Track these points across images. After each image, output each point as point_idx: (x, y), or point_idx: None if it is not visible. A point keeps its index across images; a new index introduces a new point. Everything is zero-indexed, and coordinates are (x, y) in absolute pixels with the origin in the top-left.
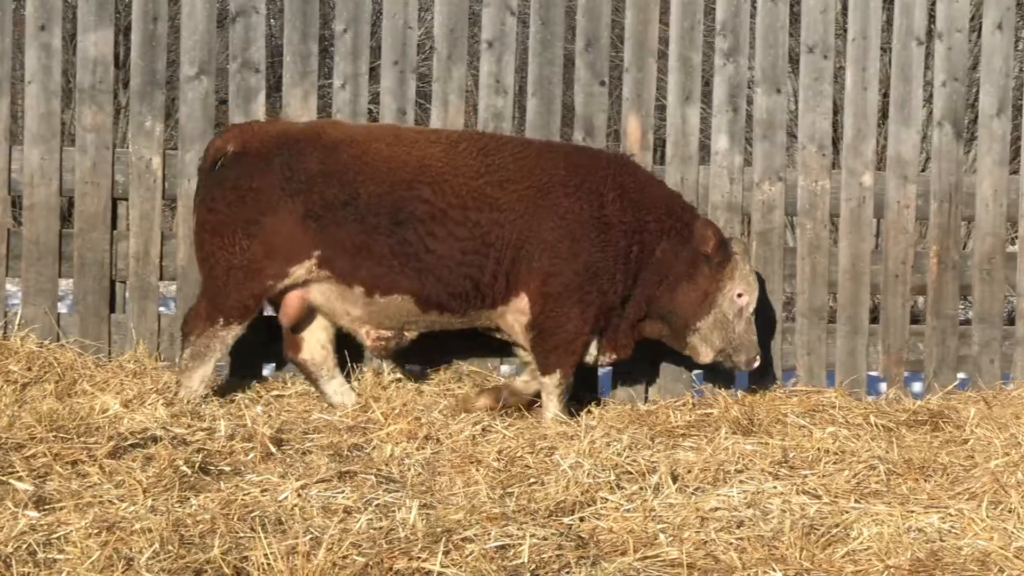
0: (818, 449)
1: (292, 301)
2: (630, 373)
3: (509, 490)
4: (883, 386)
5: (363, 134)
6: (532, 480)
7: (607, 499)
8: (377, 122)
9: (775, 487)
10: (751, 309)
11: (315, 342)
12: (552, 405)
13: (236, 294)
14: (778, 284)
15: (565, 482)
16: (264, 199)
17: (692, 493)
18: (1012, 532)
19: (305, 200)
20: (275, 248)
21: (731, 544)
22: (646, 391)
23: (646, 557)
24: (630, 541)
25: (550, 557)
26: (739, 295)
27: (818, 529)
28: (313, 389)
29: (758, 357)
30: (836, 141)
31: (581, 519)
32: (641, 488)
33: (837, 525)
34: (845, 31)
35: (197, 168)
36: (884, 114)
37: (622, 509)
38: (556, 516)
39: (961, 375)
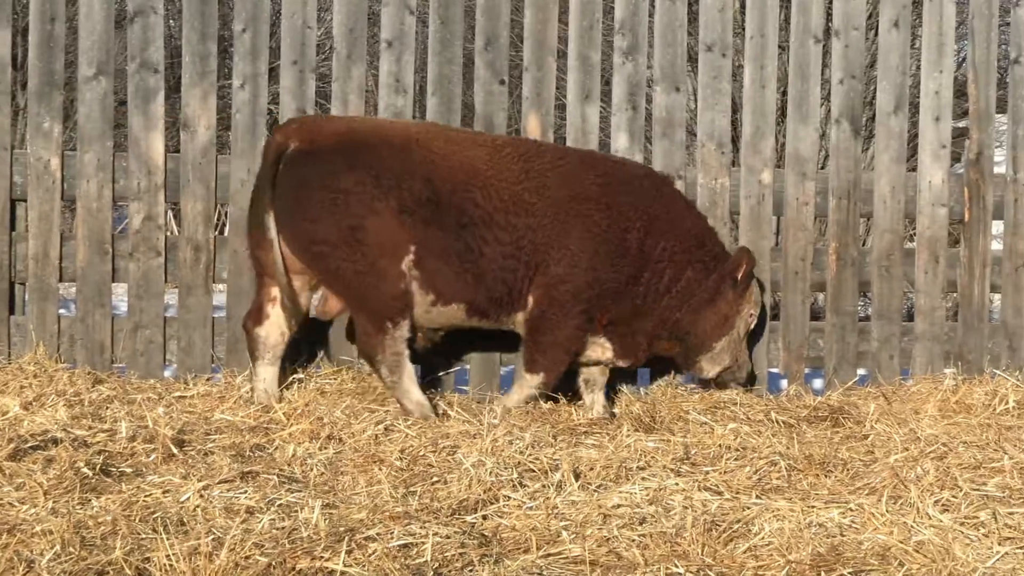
0: (719, 446)
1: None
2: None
3: (412, 489)
4: (784, 382)
5: (422, 133)
6: (435, 479)
7: (510, 497)
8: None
9: (677, 484)
10: (752, 324)
11: (277, 324)
12: (520, 394)
13: (380, 297)
14: None
15: (468, 480)
16: (356, 200)
17: (594, 490)
18: (911, 526)
19: (398, 196)
20: (385, 247)
21: (633, 541)
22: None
23: (549, 555)
24: (533, 539)
25: (453, 555)
26: (751, 315)
27: (720, 525)
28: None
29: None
30: (735, 139)
31: (484, 517)
32: (544, 486)
33: (738, 521)
34: (743, 29)
35: (260, 166)
36: (783, 112)
37: (525, 507)
38: (459, 514)
39: (861, 371)
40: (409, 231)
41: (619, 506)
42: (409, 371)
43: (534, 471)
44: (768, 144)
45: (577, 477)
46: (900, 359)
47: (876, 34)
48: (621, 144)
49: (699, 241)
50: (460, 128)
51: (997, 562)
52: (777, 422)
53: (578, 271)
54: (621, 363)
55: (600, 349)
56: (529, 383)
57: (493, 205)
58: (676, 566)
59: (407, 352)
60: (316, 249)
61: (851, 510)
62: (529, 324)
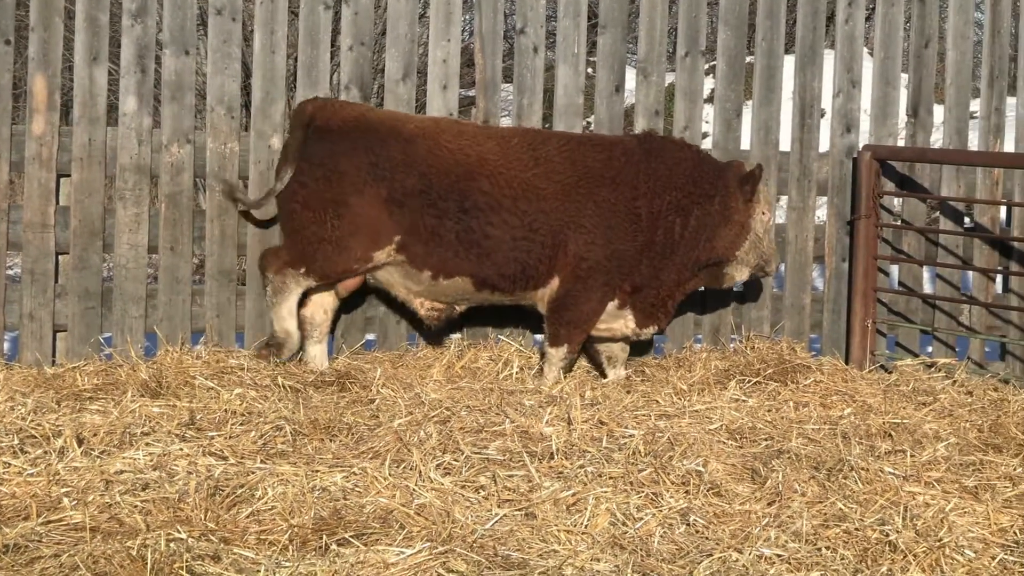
0: (226, 411)
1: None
2: (39, 337)
3: None
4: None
5: (432, 127)
6: None
7: (10, 464)
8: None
9: (181, 449)
10: (770, 221)
11: (320, 304)
12: (552, 374)
13: (324, 265)
14: (188, 247)
15: None
16: (349, 181)
17: (98, 456)
18: (414, 489)
19: (389, 186)
20: (360, 228)
21: (136, 507)
22: (53, 353)
23: (49, 521)
24: (33, 506)
25: None
26: (763, 213)
27: (224, 490)
28: None
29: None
30: (246, 104)
31: None
32: (45, 452)
33: (243, 486)
34: None
35: (289, 129)
36: (294, 77)
37: (25, 474)
38: None
39: (369, 336)
40: (396, 220)
41: (122, 472)
42: (290, 305)
43: (36, 437)
44: (278, 110)
45: (80, 443)
46: (407, 326)
47: (386, 2)
48: (130, 107)
49: (694, 179)
50: (472, 122)
51: (496, 524)
52: (284, 387)
53: (593, 247)
54: (646, 332)
55: (623, 322)
56: (555, 356)
57: (502, 192)
58: (179, 531)
59: (296, 293)
60: (290, 206)
61: (355, 474)
62: (553, 303)
